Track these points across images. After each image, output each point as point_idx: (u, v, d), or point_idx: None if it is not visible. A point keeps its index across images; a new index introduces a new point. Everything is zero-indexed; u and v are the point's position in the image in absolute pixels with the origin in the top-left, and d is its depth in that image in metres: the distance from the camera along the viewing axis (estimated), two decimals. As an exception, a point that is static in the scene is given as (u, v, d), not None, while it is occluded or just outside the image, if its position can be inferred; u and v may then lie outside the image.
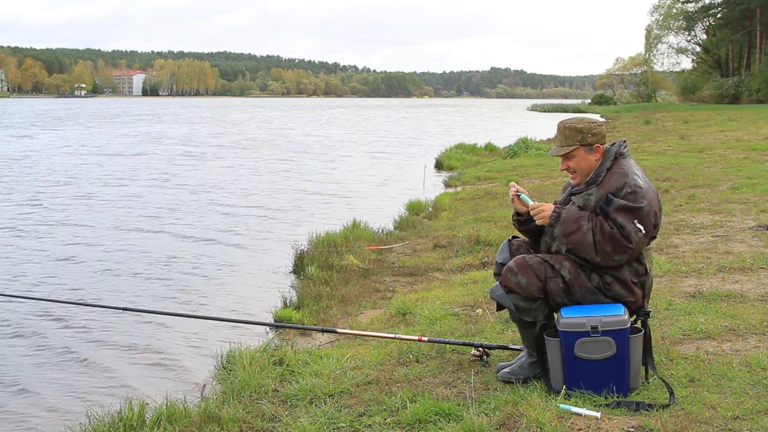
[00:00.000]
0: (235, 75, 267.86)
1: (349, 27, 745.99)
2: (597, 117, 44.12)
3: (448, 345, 4.31)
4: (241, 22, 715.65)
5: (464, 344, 4.23)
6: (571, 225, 3.45)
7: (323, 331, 4.76)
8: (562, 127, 3.65)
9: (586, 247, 3.41)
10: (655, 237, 3.55)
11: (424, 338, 4.34)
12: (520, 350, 3.94)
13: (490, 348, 4.12)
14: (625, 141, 3.68)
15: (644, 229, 3.38)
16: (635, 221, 3.37)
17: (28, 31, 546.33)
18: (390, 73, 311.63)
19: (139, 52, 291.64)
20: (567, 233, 3.47)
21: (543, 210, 3.57)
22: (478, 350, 4.09)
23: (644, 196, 3.40)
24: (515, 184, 3.79)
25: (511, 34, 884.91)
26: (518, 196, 3.72)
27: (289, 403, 3.79)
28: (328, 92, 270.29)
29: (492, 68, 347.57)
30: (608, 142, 3.68)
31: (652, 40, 72.08)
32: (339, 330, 4.76)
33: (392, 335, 4.50)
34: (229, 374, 4.37)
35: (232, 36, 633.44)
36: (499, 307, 3.77)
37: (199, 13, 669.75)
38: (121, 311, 5.52)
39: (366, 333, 4.76)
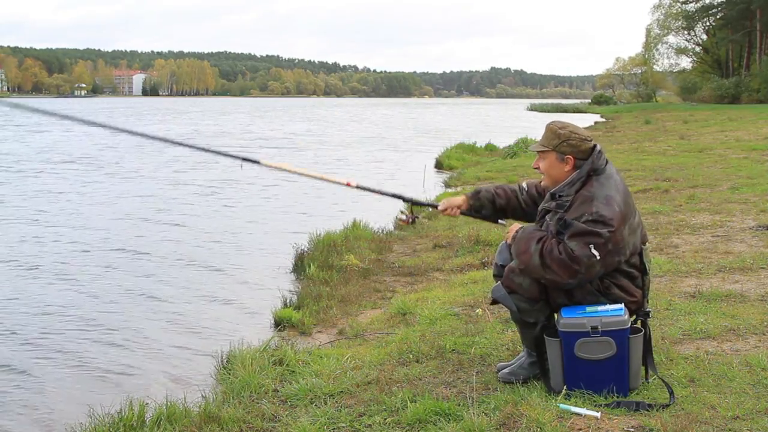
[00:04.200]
0: (235, 75, 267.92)
1: (355, 28, 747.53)
2: (597, 118, 43.99)
3: (447, 345, 4.31)
4: (247, 23, 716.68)
5: (394, 196, 4.14)
6: (522, 245, 3.45)
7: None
8: (547, 127, 3.62)
9: (534, 268, 3.39)
10: (632, 254, 3.46)
11: (352, 184, 4.19)
12: (436, 207, 3.93)
13: (418, 204, 4.09)
14: (600, 150, 3.50)
15: (599, 255, 3.29)
16: (590, 246, 3.29)
17: (35, 32, 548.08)
18: (390, 73, 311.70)
19: (140, 52, 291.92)
20: (518, 253, 3.48)
21: (509, 230, 3.64)
22: (405, 214, 4.05)
23: (606, 224, 3.29)
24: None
25: (514, 35, 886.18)
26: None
27: (289, 403, 3.79)
28: (328, 92, 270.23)
29: (492, 68, 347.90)
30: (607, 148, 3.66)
31: (652, 40, 72.11)
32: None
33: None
34: (229, 374, 4.37)
35: (236, 36, 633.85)
36: (493, 302, 3.76)
37: (206, 13, 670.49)
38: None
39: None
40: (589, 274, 3.35)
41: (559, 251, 3.32)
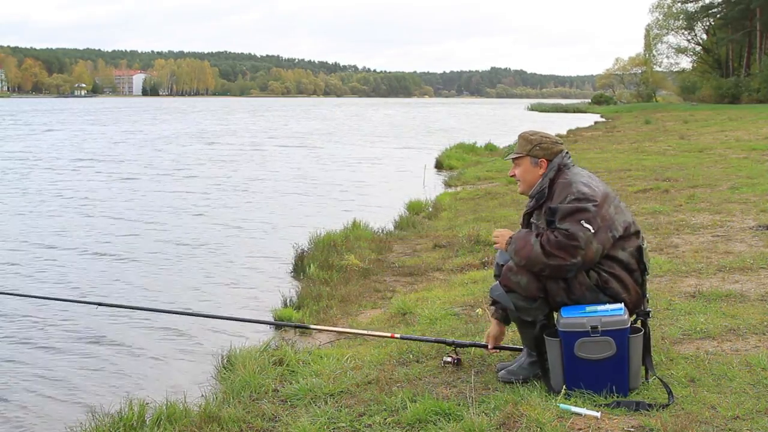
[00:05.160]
0: (235, 75, 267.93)
1: (355, 28, 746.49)
2: (597, 118, 43.99)
3: (446, 345, 4.31)
4: (247, 23, 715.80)
5: (437, 341, 4.27)
6: (521, 242, 3.54)
7: (296, 327, 5.15)
8: (519, 136, 3.84)
9: (536, 256, 3.45)
10: (626, 237, 3.52)
11: (396, 335, 4.42)
12: (485, 347, 3.99)
13: (463, 346, 4.15)
14: (567, 152, 3.74)
15: (592, 228, 3.39)
16: (581, 222, 3.40)
17: (36, 32, 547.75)
18: (390, 73, 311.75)
19: (140, 52, 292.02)
20: (517, 250, 3.54)
21: (498, 237, 3.71)
22: (450, 356, 4.09)
23: (590, 200, 3.44)
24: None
25: (515, 35, 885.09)
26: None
27: (289, 403, 3.79)
28: (328, 92, 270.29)
29: (492, 68, 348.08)
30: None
31: (651, 40, 72.13)
32: (312, 327, 4.96)
33: (365, 332, 4.71)
34: (229, 374, 4.37)
35: (236, 36, 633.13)
36: (494, 303, 3.80)
37: (206, 13, 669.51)
38: (96, 306, 5.49)
39: (339, 329, 5.00)
40: (589, 250, 3.39)
41: (555, 236, 3.42)
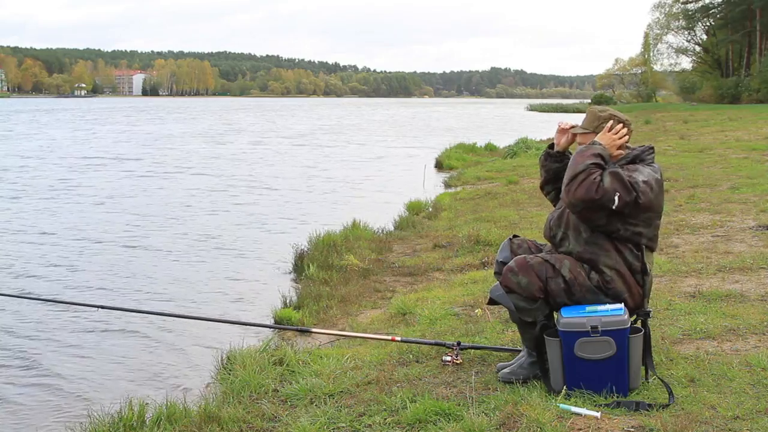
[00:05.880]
0: (235, 75, 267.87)
1: (355, 28, 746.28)
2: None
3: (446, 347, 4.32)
4: (247, 23, 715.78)
5: (436, 344, 4.27)
6: (579, 157, 3.48)
7: (298, 330, 5.09)
8: (588, 110, 3.76)
9: (568, 173, 3.46)
10: (650, 239, 3.50)
11: (397, 338, 4.42)
12: (488, 348, 3.96)
13: (463, 348, 4.14)
14: (652, 147, 3.64)
15: (616, 204, 3.35)
16: (616, 194, 3.35)
17: (36, 32, 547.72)
18: (390, 73, 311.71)
19: (140, 52, 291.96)
20: (574, 164, 3.48)
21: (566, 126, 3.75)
22: (449, 355, 4.09)
23: (636, 191, 3.38)
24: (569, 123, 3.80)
25: (515, 35, 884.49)
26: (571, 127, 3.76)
27: (289, 403, 3.79)
28: (328, 92, 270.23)
29: (492, 68, 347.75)
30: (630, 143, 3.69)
31: (652, 40, 72.15)
32: (313, 330, 4.94)
33: (365, 335, 4.70)
34: (229, 374, 4.37)
35: (236, 36, 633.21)
36: (491, 302, 3.78)
37: (206, 13, 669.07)
38: (96, 309, 5.50)
39: (339, 333, 4.96)
40: (596, 210, 3.38)
41: (595, 177, 3.38)
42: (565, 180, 3.49)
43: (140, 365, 5.36)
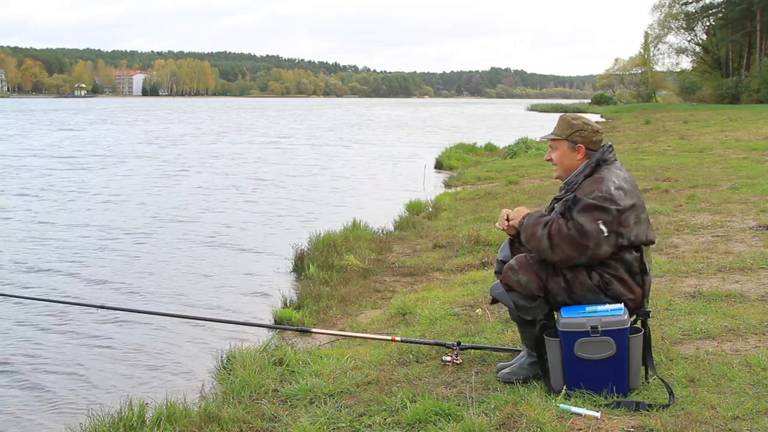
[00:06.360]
0: (235, 75, 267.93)
1: (355, 28, 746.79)
2: (597, 118, 44.12)
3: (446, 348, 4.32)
4: (247, 23, 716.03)
5: (436, 344, 4.27)
6: (530, 230, 3.51)
7: (298, 330, 5.09)
8: (560, 118, 3.76)
9: (544, 251, 3.46)
10: (640, 245, 3.48)
11: (397, 338, 4.43)
12: (488, 348, 3.96)
13: (463, 348, 4.15)
14: (611, 145, 3.66)
15: (607, 231, 3.35)
16: (599, 222, 3.35)
17: (36, 32, 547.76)
18: (390, 73, 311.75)
19: (140, 52, 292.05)
20: (527, 239, 3.54)
21: (515, 217, 3.65)
22: (449, 355, 4.10)
23: (614, 202, 3.38)
24: (506, 212, 3.74)
25: (515, 35, 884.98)
26: (507, 219, 3.70)
27: (289, 403, 3.79)
28: (328, 92, 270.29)
29: (492, 68, 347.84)
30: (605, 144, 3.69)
31: (652, 40, 72.19)
32: (313, 330, 4.96)
33: (365, 335, 4.71)
34: (229, 374, 4.37)
35: (236, 36, 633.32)
36: (493, 301, 3.79)
37: (206, 13, 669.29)
38: (97, 309, 5.51)
39: (339, 333, 4.97)
40: (597, 250, 3.37)
41: (568, 228, 3.39)
42: (541, 254, 3.47)
43: (140, 365, 5.36)
